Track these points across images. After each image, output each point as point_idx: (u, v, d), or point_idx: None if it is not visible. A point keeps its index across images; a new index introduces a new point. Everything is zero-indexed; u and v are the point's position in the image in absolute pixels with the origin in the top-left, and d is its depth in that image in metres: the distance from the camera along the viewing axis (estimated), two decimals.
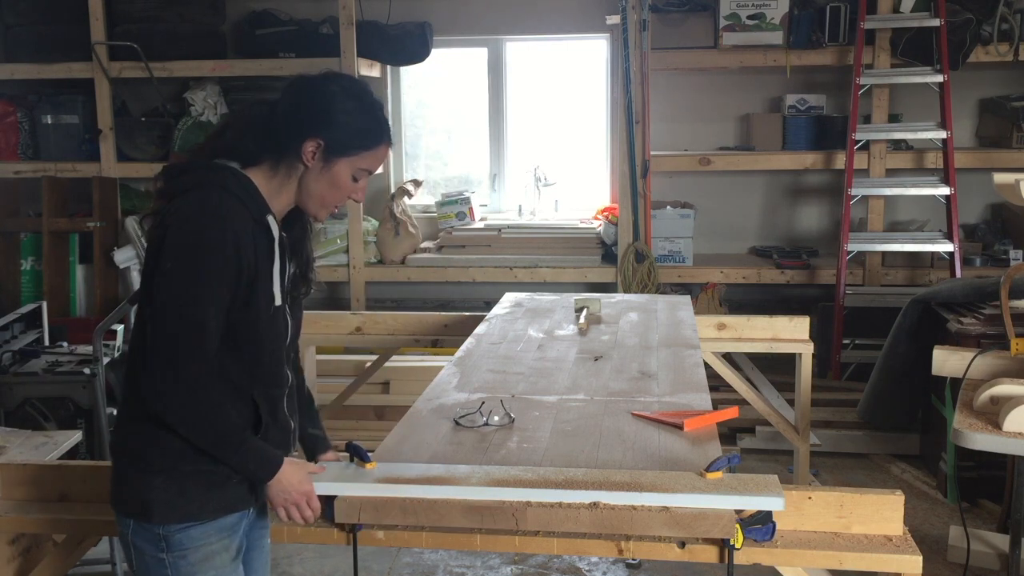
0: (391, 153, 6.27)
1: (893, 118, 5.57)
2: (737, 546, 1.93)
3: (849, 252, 5.29)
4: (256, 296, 1.86)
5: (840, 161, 5.49)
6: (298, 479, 1.93)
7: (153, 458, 1.86)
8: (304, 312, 4.14)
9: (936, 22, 5.16)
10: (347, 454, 2.10)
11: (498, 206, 6.36)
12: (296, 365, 2.18)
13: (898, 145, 5.65)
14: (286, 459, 1.92)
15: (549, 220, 6.09)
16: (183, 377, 1.77)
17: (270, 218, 1.89)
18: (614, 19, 5.48)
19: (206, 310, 1.78)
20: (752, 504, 1.94)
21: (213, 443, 1.83)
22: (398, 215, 5.89)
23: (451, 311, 4.61)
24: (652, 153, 5.54)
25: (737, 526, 1.92)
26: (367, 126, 1.90)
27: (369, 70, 5.87)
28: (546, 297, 3.95)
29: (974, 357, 3.18)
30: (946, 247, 5.24)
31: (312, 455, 2.18)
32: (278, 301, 1.92)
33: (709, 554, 1.98)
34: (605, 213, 5.91)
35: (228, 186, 1.84)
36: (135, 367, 1.87)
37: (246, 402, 1.90)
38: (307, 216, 2.01)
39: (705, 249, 5.89)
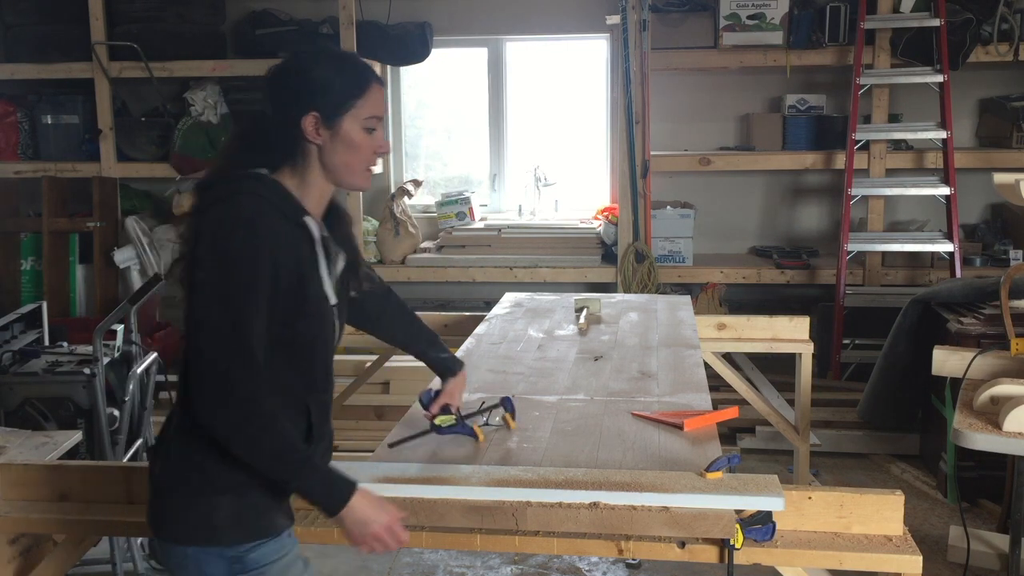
0: (391, 153, 6.30)
1: (893, 118, 5.57)
2: (737, 546, 1.93)
3: (849, 252, 5.29)
4: (308, 301, 1.81)
5: (840, 161, 5.49)
6: (375, 507, 1.77)
7: (219, 476, 1.77)
8: None
9: (936, 22, 5.16)
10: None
11: (498, 206, 6.36)
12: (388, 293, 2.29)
13: (898, 145, 5.64)
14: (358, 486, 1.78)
15: (549, 220, 6.08)
16: (233, 391, 1.69)
17: (308, 219, 1.83)
18: (614, 19, 5.48)
19: (246, 320, 1.70)
20: (752, 504, 1.95)
21: (271, 460, 1.72)
22: (398, 215, 5.89)
23: (451, 311, 4.61)
24: (652, 153, 5.54)
25: (737, 526, 1.92)
26: (348, 75, 1.83)
27: None
28: (546, 297, 3.95)
29: (974, 357, 3.18)
30: (946, 247, 5.24)
31: (447, 376, 2.30)
32: (332, 300, 1.88)
33: (709, 554, 1.98)
34: (605, 213, 5.91)
35: (260, 192, 1.78)
36: (188, 386, 1.79)
37: (299, 410, 1.84)
38: (343, 211, 1.98)
39: (705, 249, 5.89)
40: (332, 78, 1.82)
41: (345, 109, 1.81)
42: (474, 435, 2.25)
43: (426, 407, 2.31)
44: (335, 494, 1.74)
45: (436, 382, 2.39)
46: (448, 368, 2.32)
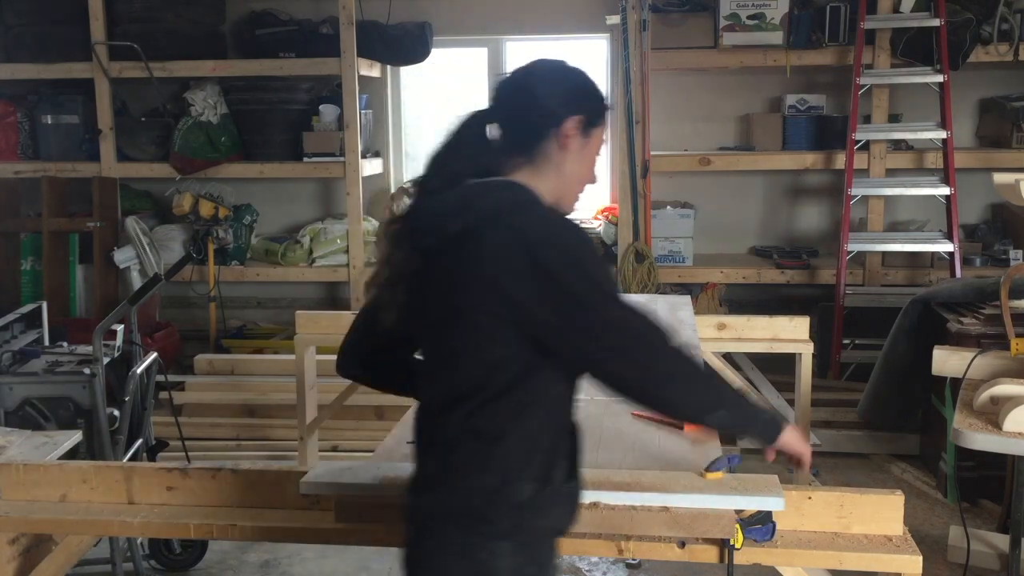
0: (391, 153, 6.32)
1: (893, 118, 5.57)
2: (737, 546, 1.94)
3: (849, 252, 5.29)
4: None
5: (840, 161, 5.49)
6: (793, 425, 1.82)
7: (499, 518, 1.63)
8: (304, 312, 4.14)
9: (936, 22, 5.16)
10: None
11: None
12: None
13: (898, 145, 5.64)
14: None
15: None
16: (685, 368, 1.64)
17: None
18: (614, 19, 5.48)
19: (628, 304, 1.65)
20: (752, 504, 1.95)
21: (739, 409, 1.71)
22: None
23: None
24: (652, 153, 5.54)
25: (737, 526, 1.92)
26: (599, 91, 1.81)
27: (369, 70, 5.87)
28: None
29: (974, 357, 3.18)
30: (946, 247, 5.24)
31: None
32: None
33: (709, 554, 1.98)
34: (605, 213, 5.91)
35: (536, 199, 1.70)
36: (455, 413, 1.66)
37: (570, 408, 1.81)
38: None
39: (705, 249, 5.89)
40: (596, 89, 1.80)
41: (600, 121, 1.78)
42: None
43: None
44: (775, 420, 1.76)
45: None
46: None
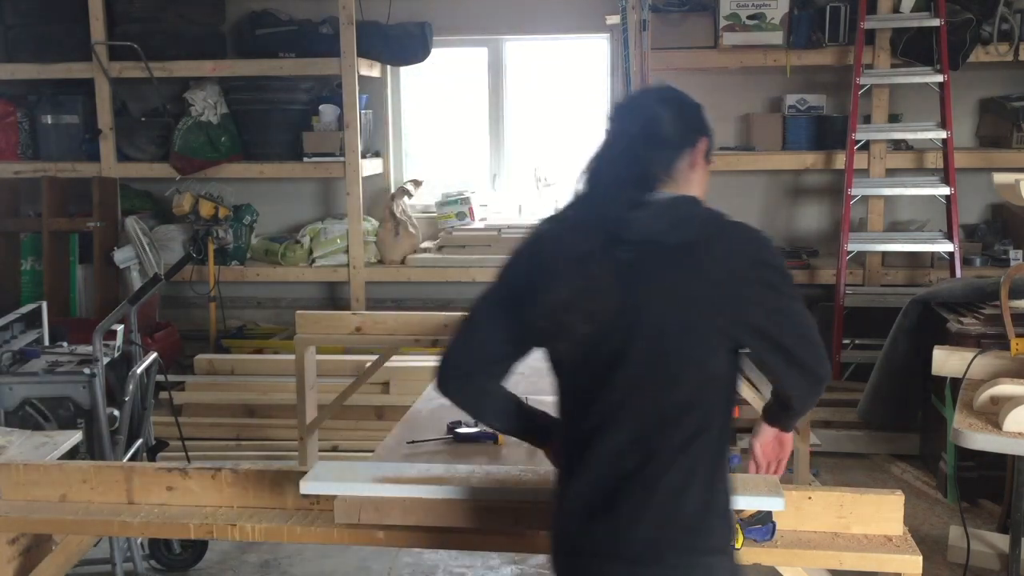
0: (391, 152, 6.32)
1: (893, 118, 5.57)
2: (737, 546, 1.93)
3: (849, 252, 5.29)
4: None
5: (840, 161, 5.49)
6: None
7: (710, 532, 1.69)
8: (304, 312, 4.14)
9: (936, 22, 5.16)
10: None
11: (498, 206, 6.35)
12: None
13: (898, 145, 5.64)
14: None
15: None
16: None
17: None
18: (614, 19, 5.48)
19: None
20: (752, 504, 1.95)
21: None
22: (398, 215, 5.89)
23: (451, 311, 4.61)
24: None
25: (737, 526, 1.92)
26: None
27: (369, 70, 5.87)
28: None
29: (974, 357, 3.18)
30: (946, 247, 5.24)
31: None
32: None
33: None
34: None
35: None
36: (660, 434, 1.67)
37: None
38: None
39: None
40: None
41: (715, 148, 1.87)
42: (495, 439, 2.25)
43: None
44: None
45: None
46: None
